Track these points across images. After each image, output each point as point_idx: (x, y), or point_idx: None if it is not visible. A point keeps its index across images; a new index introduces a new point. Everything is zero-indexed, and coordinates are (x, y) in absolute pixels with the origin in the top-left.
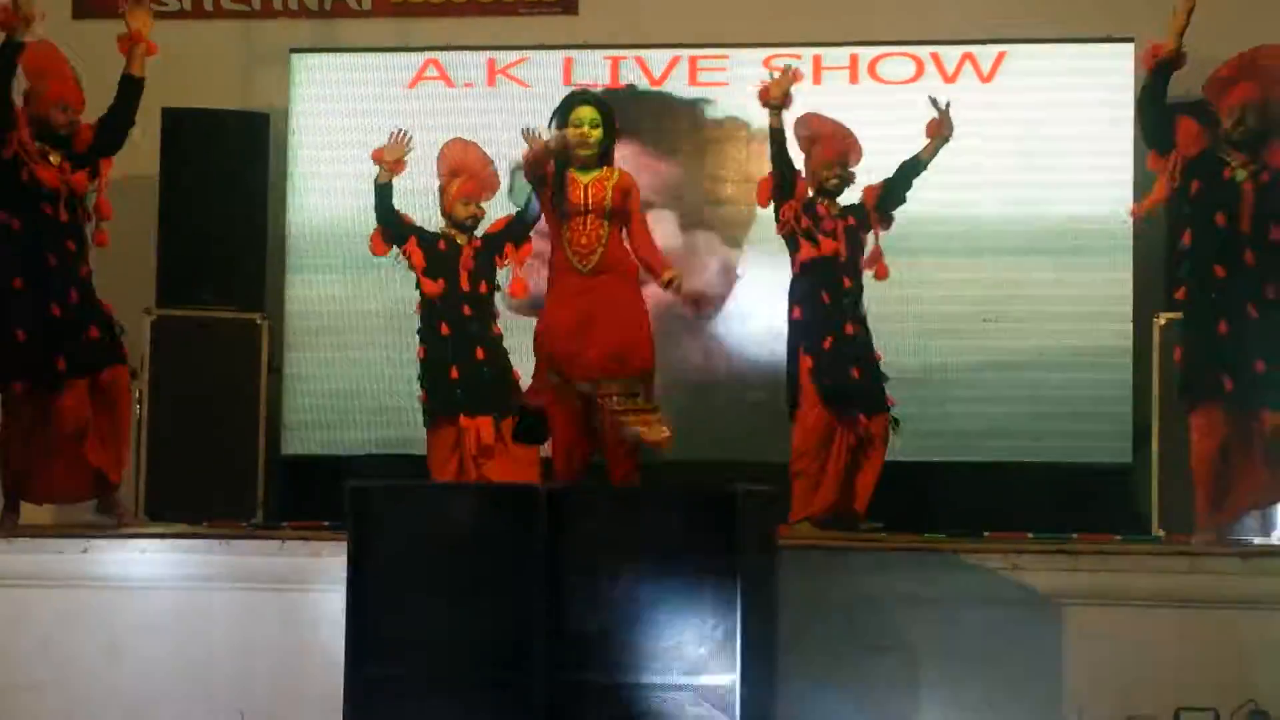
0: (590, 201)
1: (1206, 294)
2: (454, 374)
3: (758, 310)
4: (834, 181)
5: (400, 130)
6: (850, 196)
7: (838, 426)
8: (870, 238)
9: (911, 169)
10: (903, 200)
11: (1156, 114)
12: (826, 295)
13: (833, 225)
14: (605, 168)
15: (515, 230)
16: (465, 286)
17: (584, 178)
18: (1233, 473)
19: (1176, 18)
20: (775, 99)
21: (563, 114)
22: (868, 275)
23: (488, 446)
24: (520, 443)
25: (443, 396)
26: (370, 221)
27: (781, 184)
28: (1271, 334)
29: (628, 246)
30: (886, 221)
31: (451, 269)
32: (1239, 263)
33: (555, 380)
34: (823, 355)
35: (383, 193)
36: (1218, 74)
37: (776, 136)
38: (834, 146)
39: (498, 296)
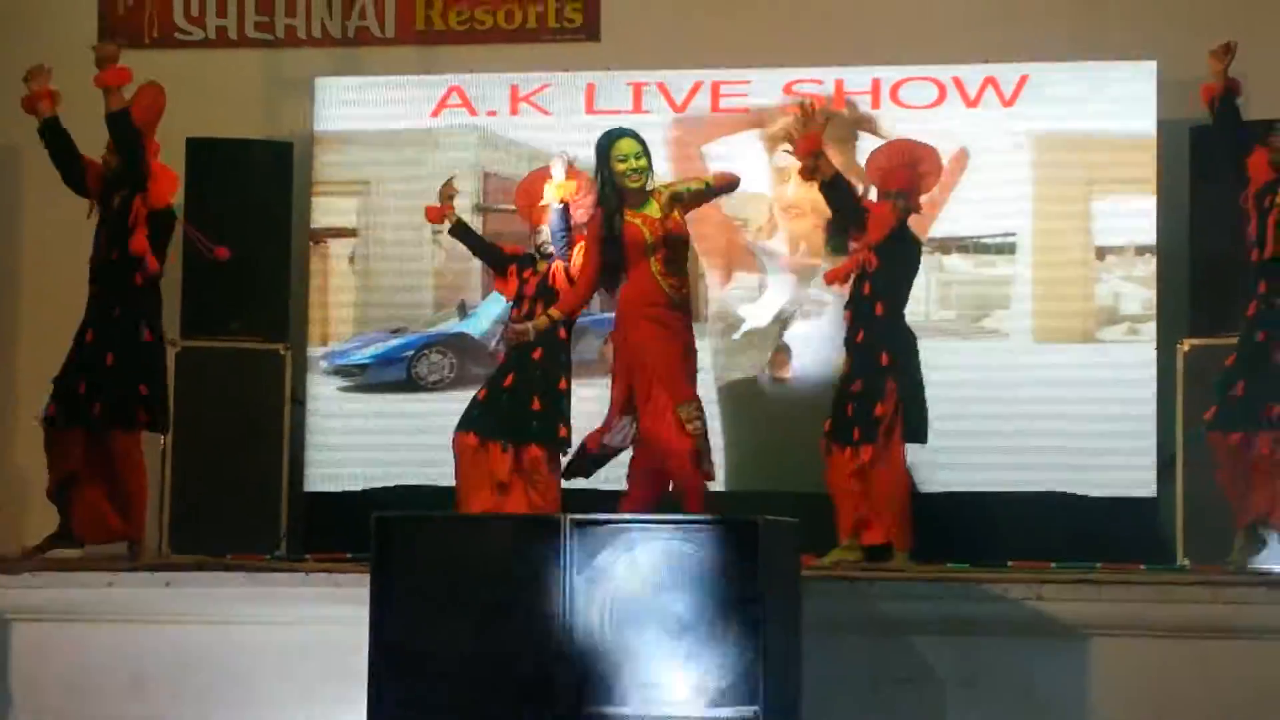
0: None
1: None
2: (481, 395)
3: None
4: (903, 201)
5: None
6: None
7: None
8: None
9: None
10: None
11: (1228, 152)
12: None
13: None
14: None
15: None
16: (526, 307)
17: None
18: None
19: (1214, 63)
20: (812, 150)
21: (605, 151)
22: None
23: (504, 485)
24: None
25: (467, 415)
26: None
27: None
28: None
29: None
30: None
31: (519, 294)
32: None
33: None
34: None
35: (461, 233)
36: None
37: (831, 183)
38: (899, 175)
39: None
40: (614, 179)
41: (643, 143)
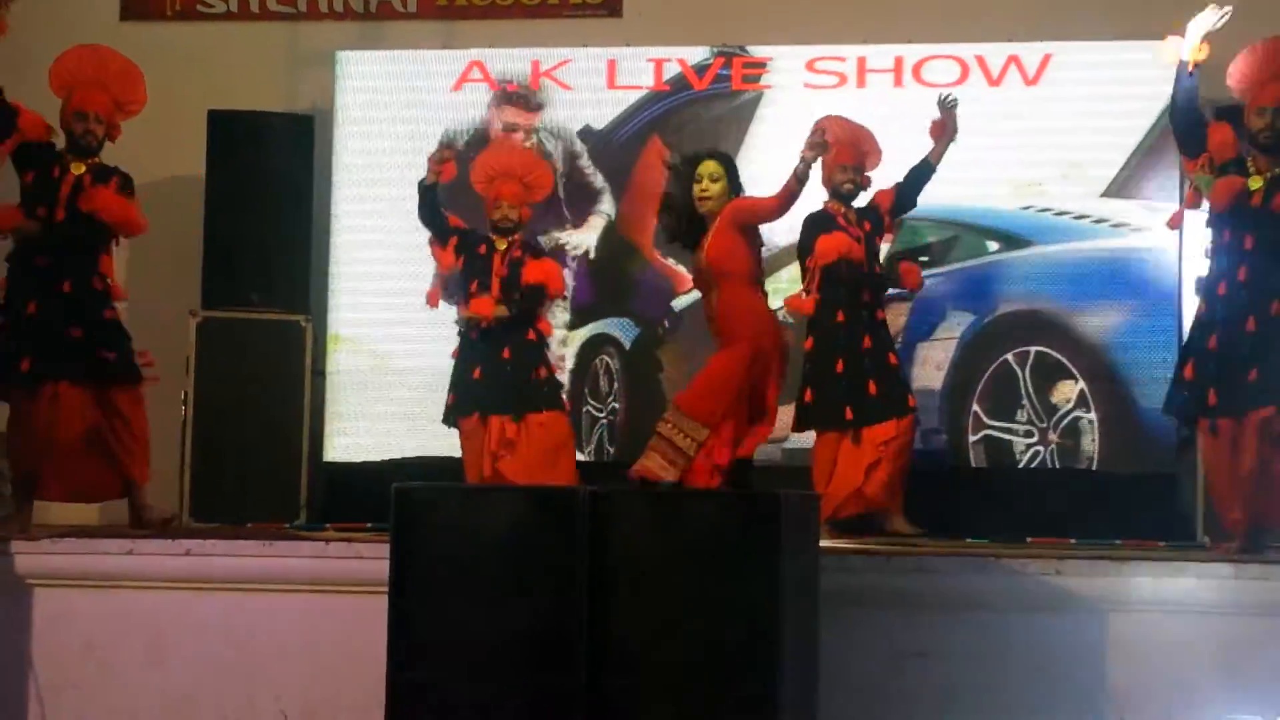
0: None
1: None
2: (476, 374)
3: None
4: (848, 185)
5: (447, 143)
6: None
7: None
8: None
9: (922, 173)
10: (914, 204)
11: (1186, 116)
12: (840, 313)
13: (847, 229)
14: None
15: None
16: (496, 292)
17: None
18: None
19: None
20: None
21: (687, 170)
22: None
23: (510, 441)
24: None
25: (464, 394)
26: (415, 225)
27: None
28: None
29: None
30: (895, 226)
31: (485, 272)
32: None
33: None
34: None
35: (426, 194)
36: (1252, 64)
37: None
38: (848, 151)
39: None
40: (687, 199)
41: (726, 164)
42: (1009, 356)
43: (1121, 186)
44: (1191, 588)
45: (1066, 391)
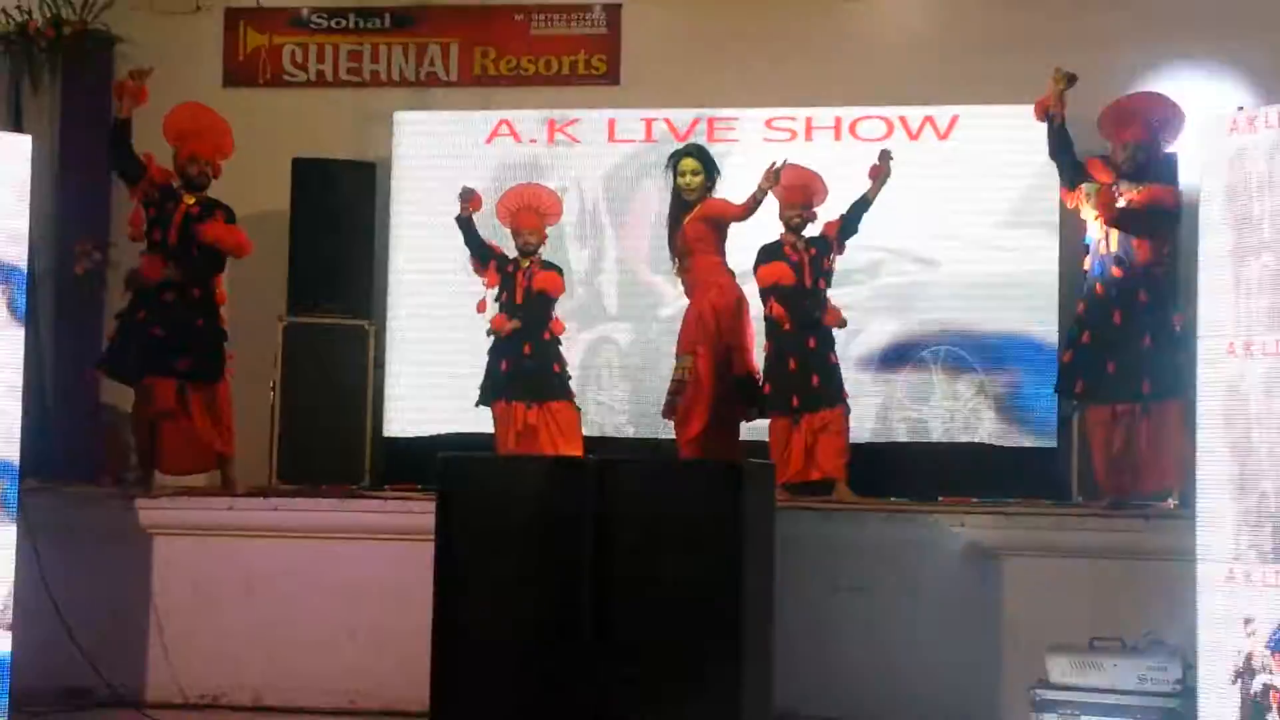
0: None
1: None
2: (504, 366)
3: None
4: (796, 220)
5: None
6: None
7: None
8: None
9: (861, 207)
10: (856, 231)
11: (1061, 154)
12: (787, 323)
13: (798, 256)
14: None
15: None
16: (521, 298)
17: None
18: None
19: (1056, 86)
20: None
21: (672, 163)
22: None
23: (530, 424)
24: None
25: (495, 384)
26: (455, 248)
27: None
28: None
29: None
30: (842, 248)
31: (512, 288)
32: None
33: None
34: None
35: (465, 225)
36: (1112, 114)
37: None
38: (796, 193)
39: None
40: (676, 189)
41: (704, 159)
42: (924, 353)
43: (1013, 221)
44: (1067, 537)
45: (969, 381)
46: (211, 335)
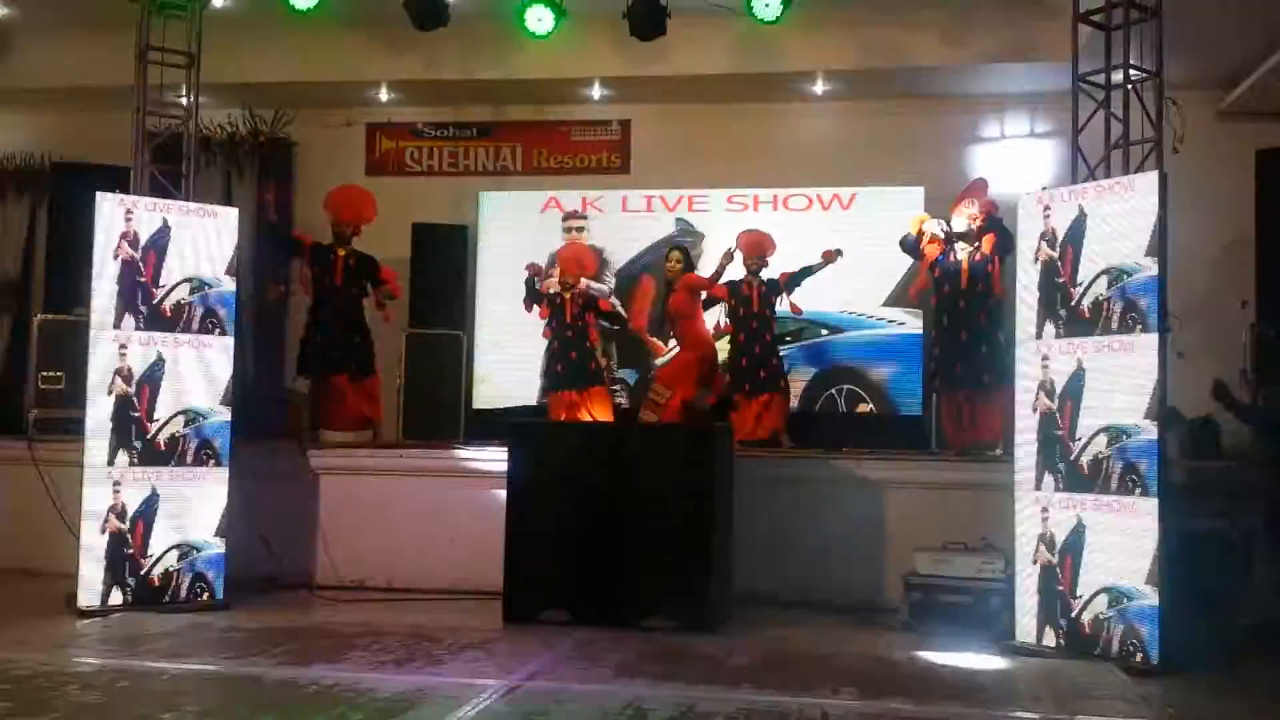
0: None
1: (944, 330)
2: (560, 368)
3: None
4: (754, 266)
5: (534, 263)
6: (772, 272)
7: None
8: (778, 302)
9: (807, 272)
10: (800, 285)
11: (909, 251)
12: (742, 335)
13: (750, 290)
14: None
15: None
16: (569, 319)
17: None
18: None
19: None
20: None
21: (667, 253)
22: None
23: (575, 403)
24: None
25: (552, 380)
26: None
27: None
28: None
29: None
30: (791, 291)
31: (561, 313)
32: (956, 308)
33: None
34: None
35: (529, 283)
36: (957, 201)
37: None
38: (755, 248)
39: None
40: (665, 272)
41: (685, 253)
42: (832, 391)
43: (894, 300)
44: (928, 475)
45: (863, 408)
46: (365, 345)
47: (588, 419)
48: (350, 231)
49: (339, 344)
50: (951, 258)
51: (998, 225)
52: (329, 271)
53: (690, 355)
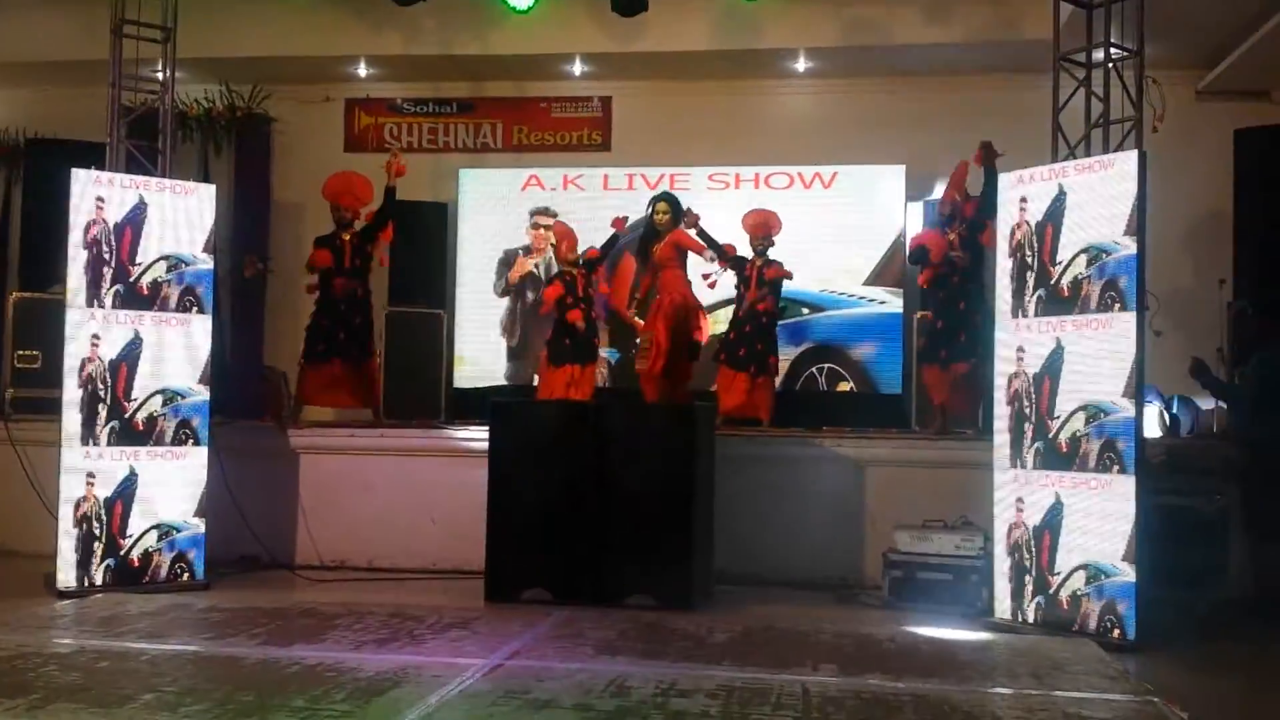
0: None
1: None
2: (566, 342)
3: None
4: (760, 246)
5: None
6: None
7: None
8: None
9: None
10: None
11: (919, 261)
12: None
13: (752, 272)
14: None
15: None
16: (580, 294)
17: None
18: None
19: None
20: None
21: (652, 204)
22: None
23: (577, 379)
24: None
25: (558, 354)
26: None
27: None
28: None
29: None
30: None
31: (574, 287)
32: (948, 286)
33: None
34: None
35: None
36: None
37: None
38: (760, 229)
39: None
40: (651, 223)
41: (672, 203)
42: (813, 370)
43: (875, 278)
44: (908, 453)
45: (843, 386)
46: (366, 327)
47: (579, 396)
48: (352, 216)
49: (346, 325)
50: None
51: (971, 197)
52: (340, 258)
53: (664, 301)
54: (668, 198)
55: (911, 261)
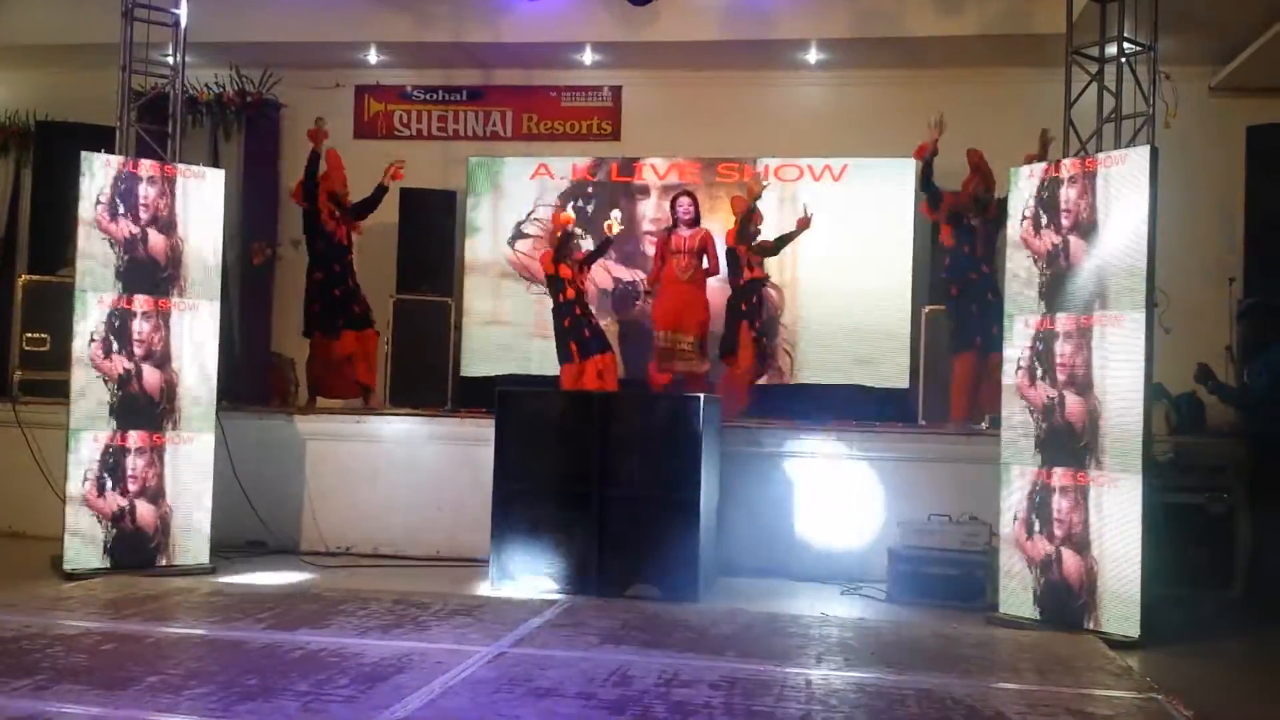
0: (687, 246)
1: (966, 291)
2: (587, 334)
3: None
4: (755, 232)
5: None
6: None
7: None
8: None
9: (785, 240)
10: (778, 254)
11: (928, 186)
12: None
13: (747, 257)
14: (697, 227)
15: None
16: (584, 287)
17: (685, 233)
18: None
19: (932, 133)
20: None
21: (673, 201)
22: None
23: (605, 369)
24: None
25: (583, 346)
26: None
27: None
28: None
29: (705, 268)
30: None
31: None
32: (979, 272)
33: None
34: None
35: (601, 246)
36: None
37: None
38: (758, 218)
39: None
40: (673, 214)
41: (693, 199)
42: (819, 362)
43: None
44: (915, 447)
45: (850, 380)
46: (360, 295)
47: (610, 386)
48: (344, 195)
49: (357, 297)
50: (966, 220)
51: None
52: (324, 230)
53: (702, 308)
54: (689, 193)
55: (929, 202)
